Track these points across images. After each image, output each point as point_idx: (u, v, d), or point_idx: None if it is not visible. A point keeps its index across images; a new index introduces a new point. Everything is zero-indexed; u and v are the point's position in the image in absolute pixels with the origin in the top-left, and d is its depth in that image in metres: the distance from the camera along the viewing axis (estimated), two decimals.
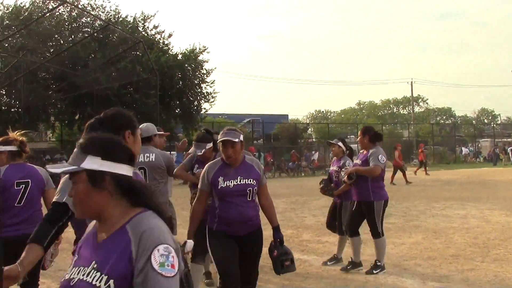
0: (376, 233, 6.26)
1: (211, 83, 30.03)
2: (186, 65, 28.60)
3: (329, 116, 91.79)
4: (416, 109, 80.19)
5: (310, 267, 6.61)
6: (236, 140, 3.94)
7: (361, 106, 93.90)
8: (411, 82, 59.79)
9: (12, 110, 27.03)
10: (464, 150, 45.32)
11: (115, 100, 25.81)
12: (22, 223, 3.98)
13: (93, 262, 1.66)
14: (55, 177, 3.99)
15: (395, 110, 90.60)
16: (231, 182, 3.97)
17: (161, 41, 29.26)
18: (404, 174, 21.22)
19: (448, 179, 22.04)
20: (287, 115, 59.49)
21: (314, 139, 42.79)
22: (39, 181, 4.13)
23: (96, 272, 1.62)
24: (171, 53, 28.92)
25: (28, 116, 25.54)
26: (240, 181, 3.99)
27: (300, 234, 9.13)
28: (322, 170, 31.46)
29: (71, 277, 1.69)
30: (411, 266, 6.52)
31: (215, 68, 30.83)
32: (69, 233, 4.47)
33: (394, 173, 21.32)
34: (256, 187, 4.06)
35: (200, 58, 29.19)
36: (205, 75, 29.64)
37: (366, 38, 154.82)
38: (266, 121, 36.91)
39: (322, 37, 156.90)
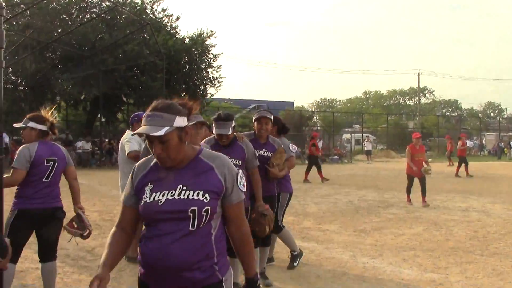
0: (277, 227, 5.56)
1: (218, 68, 30.00)
2: (193, 49, 28.53)
3: (335, 105, 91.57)
4: (422, 100, 79.93)
5: (310, 254, 6.65)
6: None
7: (367, 95, 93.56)
8: (418, 73, 59.50)
9: (19, 88, 27.07)
10: (469, 143, 45.08)
11: (121, 82, 25.83)
12: (46, 197, 4.25)
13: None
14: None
15: (401, 100, 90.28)
16: None
17: (168, 24, 29.17)
18: (466, 166, 20.11)
19: (451, 171, 21.99)
20: (292, 102, 59.38)
21: (319, 128, 42.75)
22: (63, 159, 4.40)
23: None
24: (178, 36, 28.83)
25: (34, 95, 25.57)
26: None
27: (301, 221, 9.18)
28: (326, 159, 31.50)
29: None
30: (410, 257, 6.55)
31: (222, 53, 30.74)
32: (72, 213, 4.53)
33: (460, 164, 20.24)
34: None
35: (207, 42, 29.10)
36: (211, 60, 29.58)
37: (375, 27, 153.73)
38: (271, 108, 36.85)
39: (330, 26, 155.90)
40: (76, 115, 33.76)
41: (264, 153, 5.11)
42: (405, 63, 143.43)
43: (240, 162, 4.53)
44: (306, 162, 19.66)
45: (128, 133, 6.17)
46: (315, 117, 47.27)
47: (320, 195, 13.21)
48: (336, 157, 32.23)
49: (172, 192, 2.16)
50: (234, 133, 4.70)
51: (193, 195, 2.14)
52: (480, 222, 9.12)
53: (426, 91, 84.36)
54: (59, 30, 25.86)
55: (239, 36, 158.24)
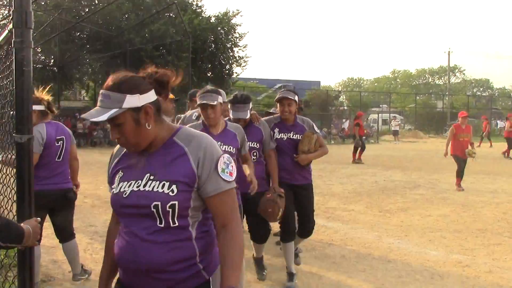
0: (312, 221, 4.83)
1: (244, 47, 29.91)
2: (219, 28, 28.47)
3: (362, 84, 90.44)
4: (452, 79, 78.21)
5: (335, 234, 6.66)
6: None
7: (396, 74, 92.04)
8: (449, 51, 58.17)
9: (47, 68, 27.52)
10: (500, 124, 44.16)
11: (147, 61, 25.95)
12: (58, 178, 4.27)
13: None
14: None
15: (430, 80, 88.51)
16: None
17: (194, 3, 29.11)
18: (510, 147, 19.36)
19: (481, 152, 21.57)
20: (319, 82, 58.82)
21: (345, 107, 42.34)
22: (69, 137, 4.45)
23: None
24: (204, 16, 28.77)
25: (63, 74, 25.97)
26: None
27: (326, 201, 9.18)
28: (352, 139, 31.26)
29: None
30: (436, 238, 6.50)
31: (247, 32, 30.72)
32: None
33: (510, 146, 19.46)
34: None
35: (233, 21, 28.99)
36: (237, 39, 29.49)
37: (404, 4, 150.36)
38: (297, 87, 36.59)
39: (357, 3, 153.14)
40: None
41: (293, 136, 4.60)
42: (435, 41, 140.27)
43: (258, 145, 4.38)
44: (332, 143, 19.44)
45: None
46: (341, 96, 46.84)
47: (345, 175, 13.15)
48: (363, 137, 31.93)
49: (138, 183, 1.83)
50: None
51: (157, 187, 1.79)
52: (510, 204, 8.95)
53: (456, 70, 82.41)
54: (87, 10, 26.08)
55: (265, 14, 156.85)
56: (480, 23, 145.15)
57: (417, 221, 7.55)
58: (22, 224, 2.03)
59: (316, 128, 4.77)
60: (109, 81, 1.79)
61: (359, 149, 16.73)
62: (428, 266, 5.29)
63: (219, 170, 1.83)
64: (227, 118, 4.34)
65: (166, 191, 1.77)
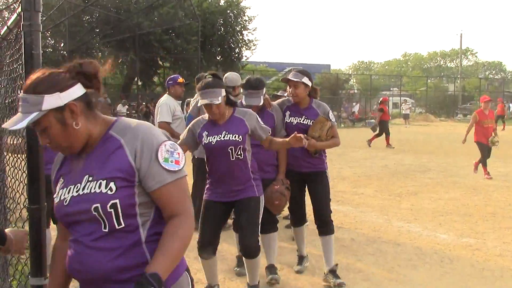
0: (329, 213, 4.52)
1: (253, 31, 29.89)
2: (228, 11, 28.32)
3: (373, 68, 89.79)
4: (465, 62, 77.35)
5: (344, 218, 6.67)
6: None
7: (407, 58, 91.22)
8: (461, 34, 57.47)
9: (57, 52, 27.61)
10: None
11: (157, 45, 25.96)
12: None
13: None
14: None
15: (441, 63, 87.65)
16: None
17: None
18: None
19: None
20: (329, 65, 58.44)
21: (356, 91, 42.09)
22: None
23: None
24: None
25: (72, 59, 26.04)
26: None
27: (335, 185, 9.16)
28: (362, 122, 31.15)
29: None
30: (446, 222, 6.48)
31: (257, 15, 30.55)
32: None
33: None
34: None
35: (242, 4, 28.85)
36: (247, 22, 29.35)
37: None
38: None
39: None
40: (114, 78, 34.29)
41: (304, 120, 4.20)
42: (446, 24, 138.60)
43: (270, 132, 3.91)
44: (342, 126, 19.27)
45: (165, 96, 6.23)
46: (352, 80, 46.53)
47: (355, 159, 13.12)
48: (372, 120, 31.79)
49: (77, 186, 1.66)
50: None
51: (95, 187, 1.61)
52: None
53: (469, 53, 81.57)
54: None
55: None
56: (492, 4, 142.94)
57: (427, 204, 7.53)
58: (6, 230, 2.01)
59: (331, 116, 4.26)
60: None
61: (376, 133, 16.56)
62: (438, 250, 5.29)
63: (161, 160, 1.63)
64: (239, 101, 4.16)
65: (104, 190, 1.59)
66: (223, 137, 3.53)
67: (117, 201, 1.58)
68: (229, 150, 3.52)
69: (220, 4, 28.41)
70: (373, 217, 6.74)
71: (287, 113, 4.29)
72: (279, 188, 4.09)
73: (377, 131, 16.51)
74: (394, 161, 12.60)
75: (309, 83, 4.18)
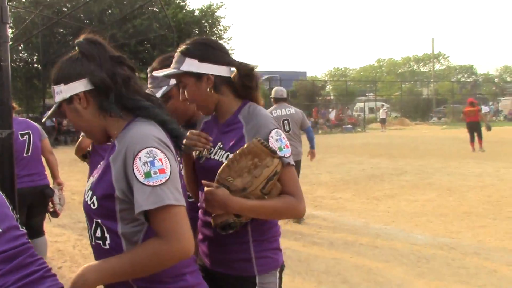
0: None
1: (228, 40, 29.96)
2: (203, 22, 28.43)
3: (348, 74, 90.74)
4: (437, 66, 78.71)
5: (323, 222, 6.72)
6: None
7: (381, 63, 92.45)
8: (432, 39, 58.50)
9: (31, 66, 27.29)
10: (484, 109, 44.51)
11: (131, 56, 25.83)
12: (34, 175, 4.27)
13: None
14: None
15: (415, 67, 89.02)
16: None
17: None
18: None
19: (466, 137, 21.80)
20: (305, 72, 58.87)
21: (332, 97, 42.45)
22: (37, 131, 4.46)
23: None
24: (188, 9, 28.70)
25: (47, 71, 25.76)
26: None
27: (314, 190, 9.24)
28: (339, 128, 31.41)
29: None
30: (422, 223, 6.59)
31: (232, 24, 30.75)
32: None
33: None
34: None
35: (217, 14, 28.94)
36: (222, 32, 29.48)
37: None
38: (283, 78, 36.58)
39: None
40: None
41: (217, 151, 1.92)
42: (419, 29, 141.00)
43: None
44: (319, 132, 19.31)
45: None
46: (328, 86, 46.93)
47: (333, 164, 13.23)
48: (349, 126, 32.13)
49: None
50: None
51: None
52: (494, 187, 9.08)
53: (441, 57, 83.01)
54: (68, 6, 25.84)
55: (248, 6, 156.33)
56: (463, 9, 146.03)
57: (404, 206, 7.64)
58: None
59: (279, 141, 1.80)
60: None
61: (470, 134, 16.08)
62: (415, 250, 5.37)
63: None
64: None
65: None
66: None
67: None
68: None
69: (195, 14, 28.48)
70: (351, 221, 6.81)
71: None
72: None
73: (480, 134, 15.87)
74: (371, 165, 12.74)
75: (204, 70, 1.85)
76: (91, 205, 1.47)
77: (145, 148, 1.39)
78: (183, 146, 1.75)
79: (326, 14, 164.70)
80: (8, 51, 1.92)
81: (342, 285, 4.43)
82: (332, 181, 10.34)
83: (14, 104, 4.35)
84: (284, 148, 1.77)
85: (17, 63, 26.27)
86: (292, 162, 1.79)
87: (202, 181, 1.75)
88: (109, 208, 1.44)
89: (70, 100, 1.54)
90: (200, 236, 1.95)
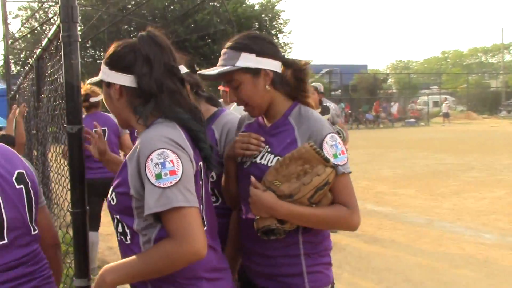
0: None
1: (288, 33, 29.91)
2: (263, 16, 28.47)
3: (411, 66, 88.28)
4: (507, 57, 75.04)
5: (384, 218, 6.58)
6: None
7: (446, 55, 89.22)
8: (502, 28, 55.75)
9: (98, 61, 28.36)
10: None
11: (193, 51, 26.31)
12: (104, 167, 4.39)
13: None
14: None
15: (483, 58, 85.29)
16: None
17: None
18: None
19: None
20: (366, 65, 57.77)
21: (394, 90, 41.43)
22: (115, 127, 4.56)
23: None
24: (248, 3, 28.83)
25: None
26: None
27: (375, 185, 9.06)
28: (402, 122, 30.65)
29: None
30: (490, 221, 6.31)
31: (292, 18, 30.53)
32: None
33: None
34: None
35: (277, 8, 28.91)
36: (282, 25, 29.41)
37: None
38: (344, 72, 36.12)
39: None
40: None
41: (265, 155, 1.77)
42: (487, 19, 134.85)
43: None
44: (381, 126, 18.88)
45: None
46: (389, 79, 45.83)
47: (395, 159, 12.92)
48: (412, 120, 31.27)
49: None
50: None
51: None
52: None
53: (511, 47, 79.05)
54: (133, 3, 26.65)
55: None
56: None
57: (470, 204, 7.35)
58: None
59: (335, 147, 1.67)
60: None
61: None
62: (482, 250, 5.16)
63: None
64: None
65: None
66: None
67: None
68: None
69: (255, 8, 28.59)
70: (414, 218, 6.63)
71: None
72: None
73: None
74: (435, 161, 12.34)
75: (262, 65, 1.74)
76: (111, 201, 1.50)
77: (157, 150, 1.39)
78: (231, 153, 1.78)
79: (388, 5, 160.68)
80: (78, 50, 1.98)
81: (403, 283, 4.33)
82: (394, 176, 10.11)
83: (91, 99, 4.52)
84: (340, 155, 1.64)
85: (85, 60, 27.39)
86: (349, 170, 1.66)
87: (252, 178, 1.65)
88: (126, 205, 1.47)
89: (108, 84, 1.60)
90: (243, 248, 1.85)
